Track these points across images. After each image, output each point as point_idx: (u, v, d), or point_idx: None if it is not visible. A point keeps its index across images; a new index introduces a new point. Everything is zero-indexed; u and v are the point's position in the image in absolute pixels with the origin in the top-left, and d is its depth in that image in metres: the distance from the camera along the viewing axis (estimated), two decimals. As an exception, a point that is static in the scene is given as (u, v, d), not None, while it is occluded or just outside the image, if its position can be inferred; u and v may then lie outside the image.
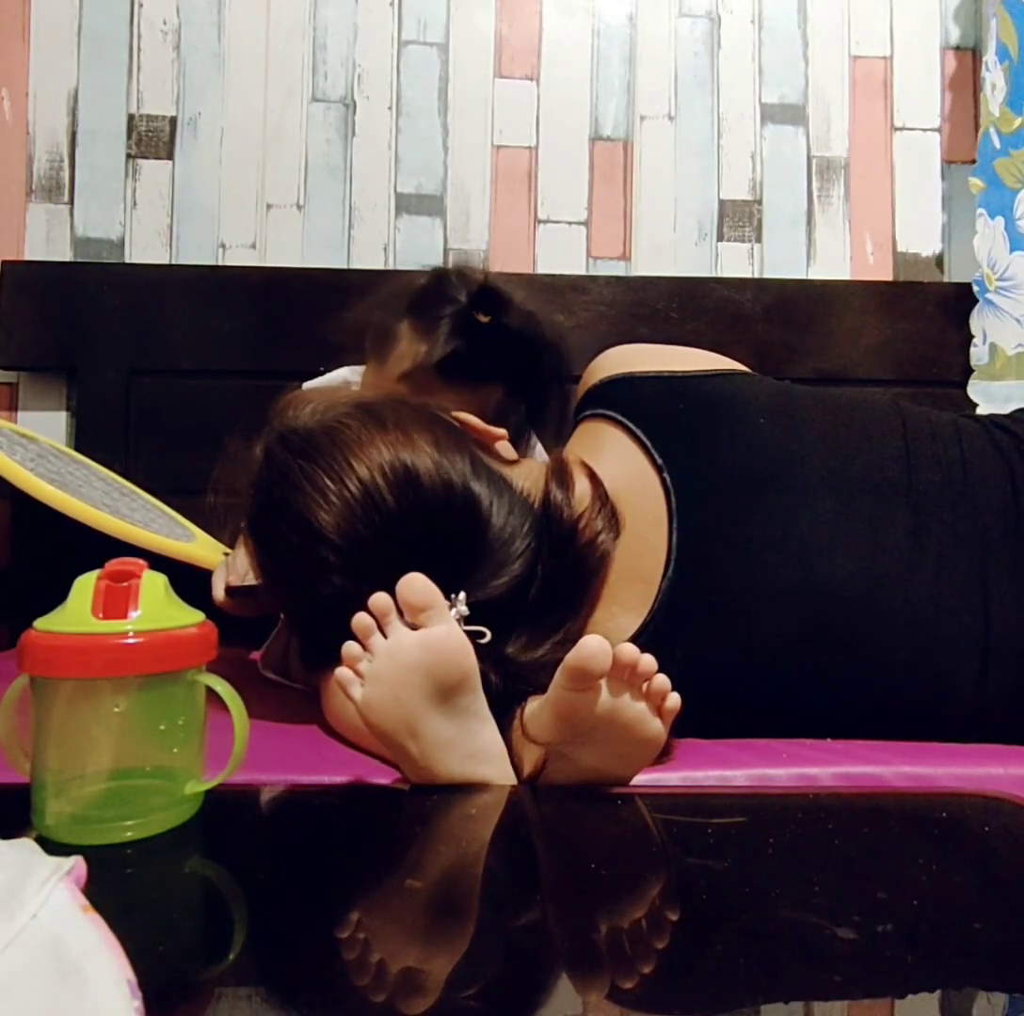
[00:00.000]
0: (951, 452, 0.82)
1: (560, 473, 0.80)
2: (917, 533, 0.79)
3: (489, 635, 0.67)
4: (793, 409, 0.85)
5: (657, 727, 0.61)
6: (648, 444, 0.83)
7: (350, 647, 0.61)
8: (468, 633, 0.63)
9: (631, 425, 0.84)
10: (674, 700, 0.61)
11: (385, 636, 0.61)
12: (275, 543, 0.76)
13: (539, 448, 1.09)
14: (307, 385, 1.04)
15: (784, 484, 0.80)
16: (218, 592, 0.92)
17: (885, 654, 0.77)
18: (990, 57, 1.49)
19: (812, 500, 0.80)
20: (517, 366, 1.07)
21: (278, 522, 0.74)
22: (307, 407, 0.78)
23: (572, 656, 0.57)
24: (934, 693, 0.77)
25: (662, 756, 0.66)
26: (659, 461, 0.82)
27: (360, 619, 0.61)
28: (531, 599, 0.74)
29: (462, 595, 0.69)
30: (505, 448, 0.83)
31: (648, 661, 0.59)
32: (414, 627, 0.61)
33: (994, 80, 1.49)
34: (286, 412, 0.79)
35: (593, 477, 0.81)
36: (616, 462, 0.83)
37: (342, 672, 0.61)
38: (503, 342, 1.05)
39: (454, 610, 0.67)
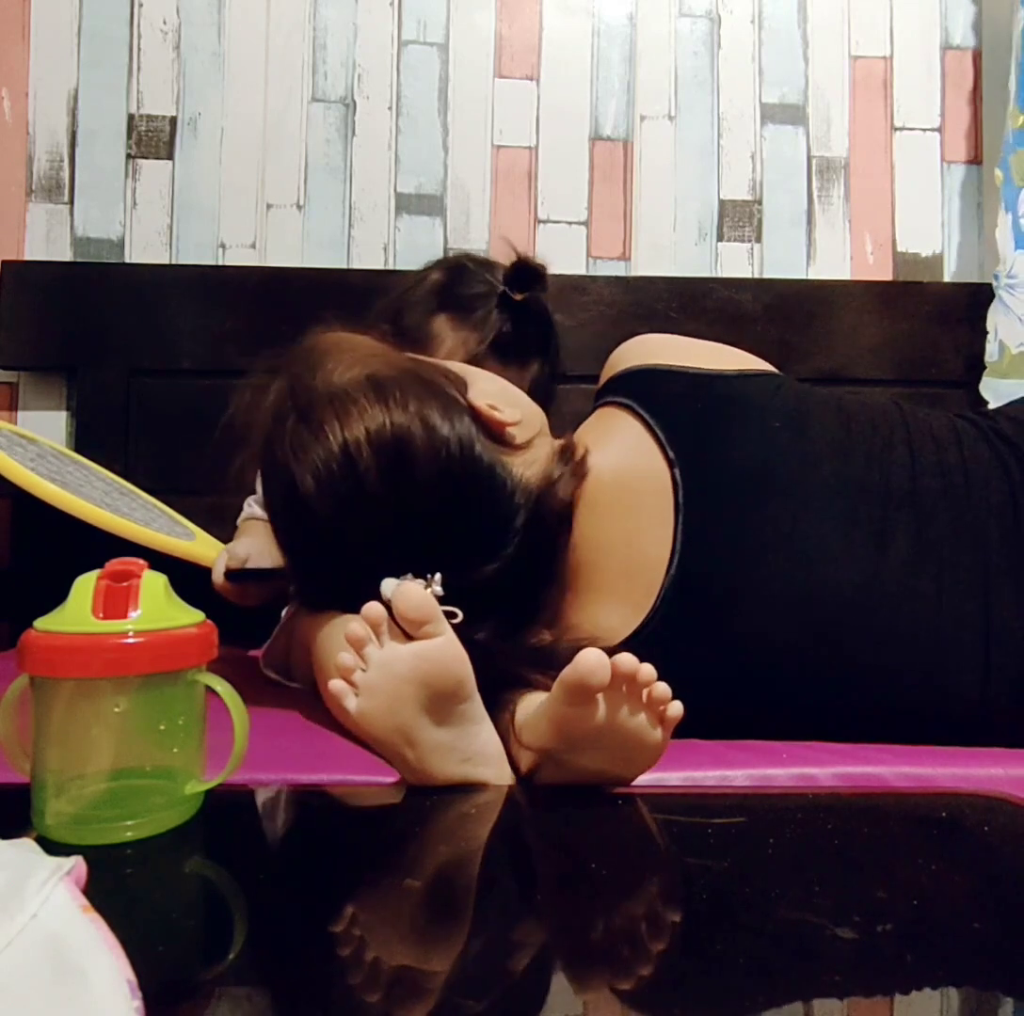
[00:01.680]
0: (952, 457, 0.82)
1: (566, 455, 0.81)
2: (919, 539, 0.79)
3: (461, 616, 0.66)
4: (807, 414, 0.85)
5: (657, 737, 0.60)
6: (662, 438, 0.83)
7: (343, 658, 0.60)
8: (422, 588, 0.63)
9: (648, 417, 0.84)
10: (676, 708, 0.59)
11: (380, 645, 0.60)
12: (273, 482, 0.79)
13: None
14: None
15: (792, 488, 0.81)
16: (217, 575, 0.92)
17: (886, 658, 0.77)
18: (1016, 53, 1.49)
19: (818, 504, 0.80)
20: (551, 337, 1.09)
21: (272, 467, 0.78)
22: (328, 363, 0.79)
23: (570, 671, 0.56)
24: (935, 697, 0.77)
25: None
26: (671, 455, 0.82)
27: (353, 630, 0.60)
28: (509, 579, 0.75)
29: (438, 576, 0.69)
30: (519, 432, 0.83)
31: (648, 670, 0.57)
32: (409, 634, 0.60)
33: (1017, 76, 1.48)
34: (309, 359, 0.80)
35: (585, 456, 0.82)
36: (627, 450, 0.84)
37: (336, 684, 0.60)
38: (542, 315, 1.07)
39: (429, 590, 0.67)
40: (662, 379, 0.88)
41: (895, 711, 0.77)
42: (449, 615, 0.63)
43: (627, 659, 0.57)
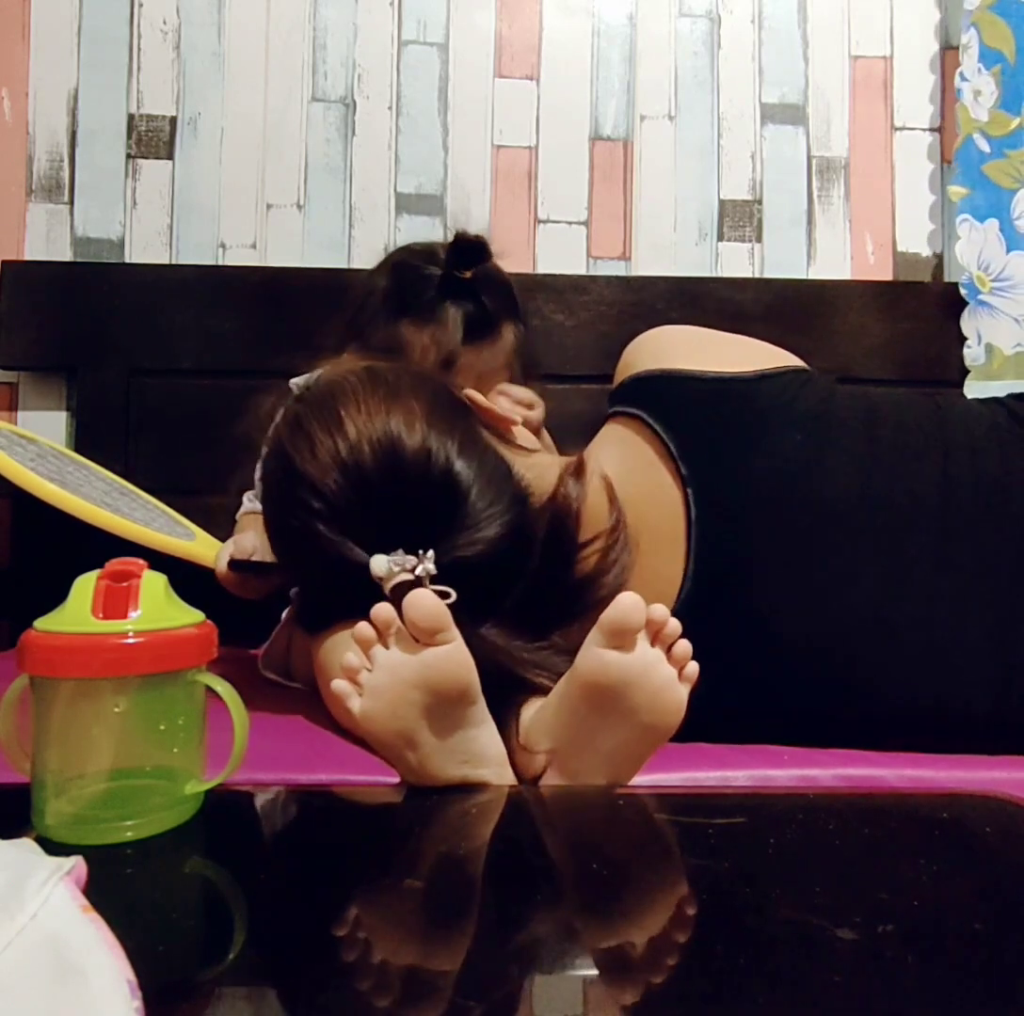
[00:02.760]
0: (989, 465, 0.79)
1: (579, 470, 0.80)
2: (941, 560, 0.77)
3: (454, 595, 0.65)
4: (830, 421, 0.82)
5: (681, 695, 0.61)
6: (674, 452, 0.81)
7: (349, 658, 0.60)
8: (434, 593, 0.62)
9: (660, 430, 0.82)
10: (693, 668, 0.62)
11: (387, 648, 0.60)
12: (273, 486, 0.78)
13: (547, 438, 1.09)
14: (293, 381, 1.04)
15: (809, 506, 0.78)
16: (221, 565, 0.92)
17: (898, 683, 0.76)
18: (969, 66, 1.51)
19: (835, 523, 0.78)
20: (513, 295, 1.10)
21: (275, 463, 0.77)
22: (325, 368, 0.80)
23: (609, 612, 0.58)
24: (947, 722, 0.76)
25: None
26: (684, 472, 0.80)
27: (361, 629, 0.60)
28: (521, 595, 0.74)
29: (430, 553, 0.68)
30: (522, 435, 0.82)
31: (675, 623, 0.61)
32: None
33: (977, 87, 1.51)
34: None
35: (611, 495, 0.80)
36: (638, 470, 0.82)
37: (339, 684, 0.61)
38: (497, 280, 1.07)
39: (421, 567, 0.67)
40: (676, 385, 0.84)
41: (906, 732, 0.76)
42: (442, 594, 0.63)
43: (659, 608, 0.60)
